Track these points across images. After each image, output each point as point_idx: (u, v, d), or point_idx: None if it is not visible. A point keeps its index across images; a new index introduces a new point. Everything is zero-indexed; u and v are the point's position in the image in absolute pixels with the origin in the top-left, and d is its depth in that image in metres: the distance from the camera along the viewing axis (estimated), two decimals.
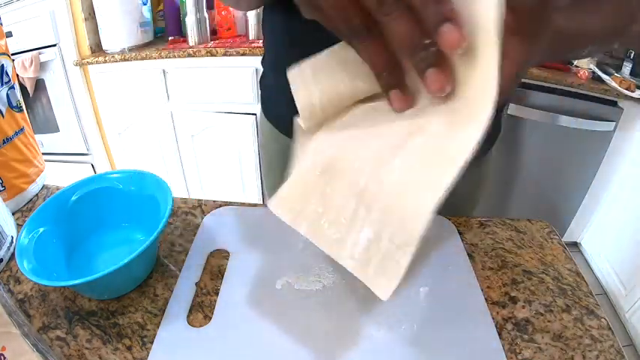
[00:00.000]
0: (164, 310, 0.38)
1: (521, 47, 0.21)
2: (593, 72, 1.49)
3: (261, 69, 0.61)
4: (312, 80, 0.27)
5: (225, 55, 1.53)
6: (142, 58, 1.62)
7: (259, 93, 0.65)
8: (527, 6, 0.21)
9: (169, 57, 1.59)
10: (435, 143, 0.22)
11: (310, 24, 0.48)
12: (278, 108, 0.60)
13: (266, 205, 0.53)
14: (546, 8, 0.21)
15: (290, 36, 0.50)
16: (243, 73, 1.57)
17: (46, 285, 0.35)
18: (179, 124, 1.79)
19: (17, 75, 1.13)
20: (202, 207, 0.52)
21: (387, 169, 0.22)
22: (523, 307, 0.39)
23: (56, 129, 1.91)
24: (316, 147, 0.27)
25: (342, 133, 0.26)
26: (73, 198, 0.44)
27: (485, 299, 0.39)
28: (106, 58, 1.64)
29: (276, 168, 0.65)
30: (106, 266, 0.34)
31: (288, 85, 0.60)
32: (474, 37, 0.20)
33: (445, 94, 0.22)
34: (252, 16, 1.60)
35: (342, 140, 0.26)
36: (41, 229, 0.40)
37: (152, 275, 0.43)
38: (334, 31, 0.25)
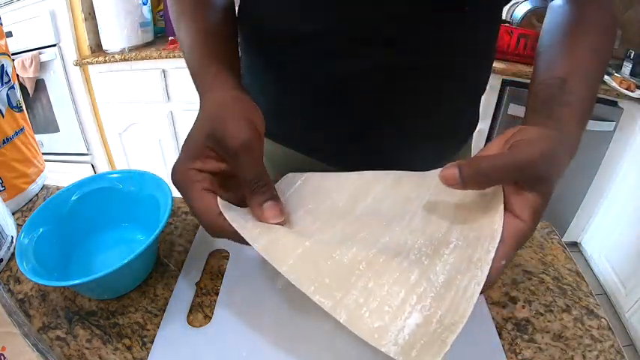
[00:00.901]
0: (164, 310, 0.38)
1: (509, 251, 0.28)
2: None
3: None
4: None
5: None
6: (142, 58, 1.63)
7: None
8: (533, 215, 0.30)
9: (169, 57, 1.59)
10: (460, 254, 0.27)
11: (283, 25, 0.47)
12: None
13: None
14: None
15: (265, 37, 0.49)
16: None
17: (46, 285, 0.35)
18: (179, 124, 1.79)
19: (17, 75, 1.13)
20: None
21: (432, 272, 0.26)
22: (523, 307, 0.39)
23: (56, 129, 1.91)
24: (358, 244, 0.29)
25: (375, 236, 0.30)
26: (73, 198, 0.44)
27: (486, 299, 0.39)
28: (106, 58, 1.64)
29: None
30: (106, 266, 0.34)
31: (265, 85, 0.58)
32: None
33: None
34: None
35: (381, 244, 0.29)
36: (41, 229, 0.40)
37: (152, 275, 0.43)
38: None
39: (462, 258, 0.27)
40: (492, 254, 0.26)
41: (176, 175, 0.33)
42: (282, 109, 0.53)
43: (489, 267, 0.26)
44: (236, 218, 0.30)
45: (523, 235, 0.29)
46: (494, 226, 0.28)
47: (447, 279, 0.26)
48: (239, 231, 0.29)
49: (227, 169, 0.33)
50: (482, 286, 0.25)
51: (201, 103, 0.36)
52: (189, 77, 0.41)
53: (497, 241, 0.27)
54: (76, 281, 0.34)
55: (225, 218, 0.31)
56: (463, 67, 0.47)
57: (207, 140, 0.33)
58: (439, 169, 0.32)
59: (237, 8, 0.51)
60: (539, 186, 0.30)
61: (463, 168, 0.29)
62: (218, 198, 0.32)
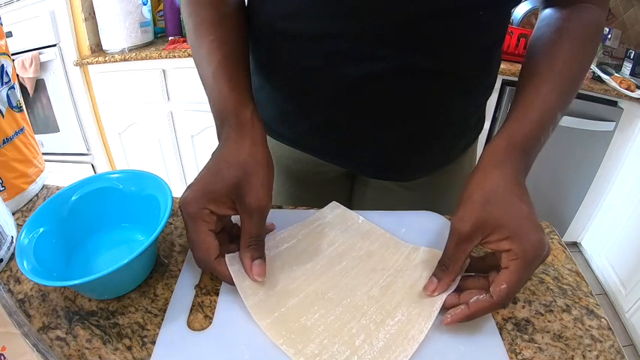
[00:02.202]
0: (164, 311, 0.38)
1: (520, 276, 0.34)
2: (594, 72, 1.49)
3: None
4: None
5: None
6: (142, 58, 1.62)
7: None
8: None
9: (169, 57, 1.59)
10: (400, 328, 0.36)
11: (293, 26, 0.47)
12: (260, 109, 0.58)
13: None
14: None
15: (272, 38, 0.48)
16: None
17: (46, 285, 0.35)
18: (179, 124, 1.79)
19: (17, 75, 1.13)
20: None
21: (374, 337, 0.35)
22: (523, 307, 0.39)
23: (56, 129, 1.91)
24: (323, 308, 0.38)
25: (333, 302, 0.38)
26: (73, 198, 0.44)
27: None
28: (106, 58, 1.64)
29: None
30: (106, 266, 0.34)
31: (274, 86, 0.57)
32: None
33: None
34: None
35: (338, 312, 0.37)
36: (41, 229, 0.40)
37: (152, 275, 0.43)
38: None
39: (400, 332, 0.35)
40: (425, 333, 0.35)
41: (189, 207, 0.37)
42: (291, 111, 0.53)
43: (419, 342, 0.34)
44: (237, 274, 0.38)
45: (517, 266, 0.34)
46: (434, 307, 0.36)
47: (384, 346, 0.34)
48: (238, 288, 0.37)
49: (229, 215, 0.39)
50: (409, 357, 0.33)
51: (230, 133, 0.40)
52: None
53: (433, 320, 0.36)
54: (77, 281, 0.34)
55: (219, 262, 0.38)
56: (474, 69, 0.47)
57: (231, 190, 0.37)
58: (410, 247, 0.44)
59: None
60: (496, 218, 0.35)
61: (436, 273, 0.38)
62: (226, 255, 0.38)
